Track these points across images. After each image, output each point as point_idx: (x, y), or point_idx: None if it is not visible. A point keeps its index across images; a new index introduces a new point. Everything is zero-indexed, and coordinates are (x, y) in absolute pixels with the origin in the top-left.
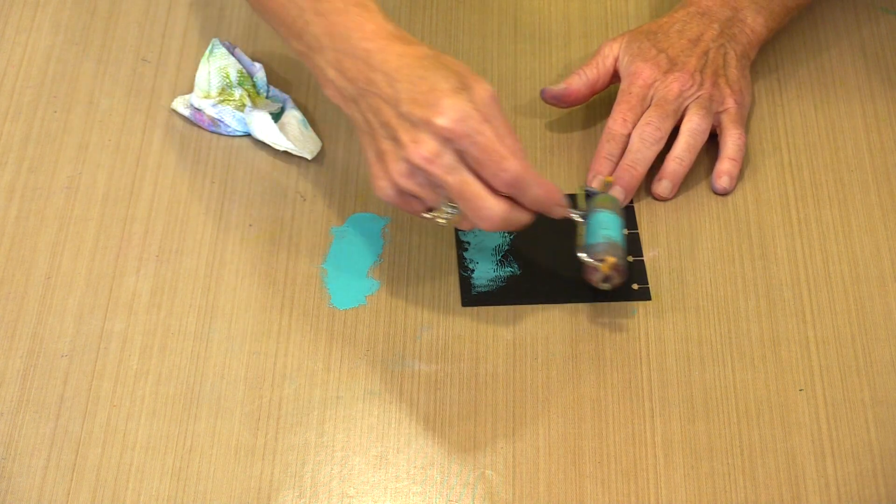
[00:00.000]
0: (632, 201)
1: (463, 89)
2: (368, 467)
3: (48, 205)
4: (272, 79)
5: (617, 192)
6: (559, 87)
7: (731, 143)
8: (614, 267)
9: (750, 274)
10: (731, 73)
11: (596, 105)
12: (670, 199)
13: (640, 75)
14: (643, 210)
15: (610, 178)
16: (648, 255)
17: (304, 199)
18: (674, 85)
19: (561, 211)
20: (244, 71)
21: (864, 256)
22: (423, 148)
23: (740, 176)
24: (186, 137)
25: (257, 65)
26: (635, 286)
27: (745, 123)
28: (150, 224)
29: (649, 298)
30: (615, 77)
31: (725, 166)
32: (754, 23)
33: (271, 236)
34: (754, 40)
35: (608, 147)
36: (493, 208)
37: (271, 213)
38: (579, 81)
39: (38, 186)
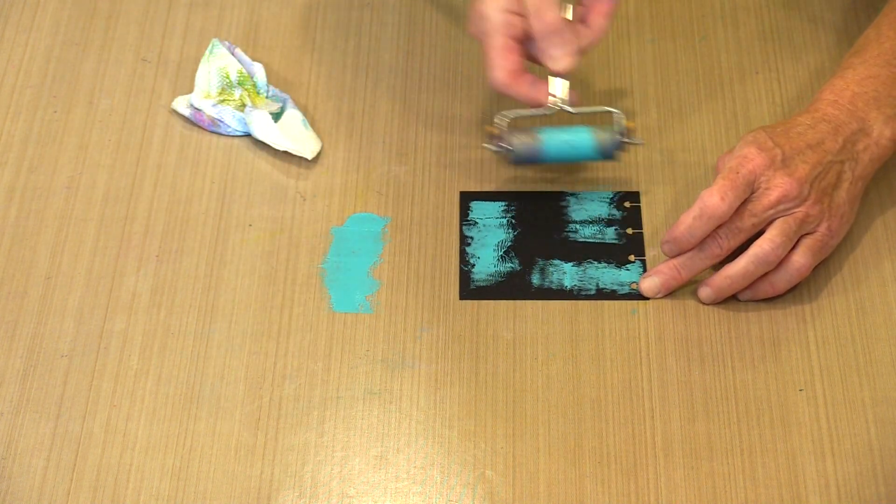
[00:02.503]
0: (638, 200)
1: None
2: (368, 467)
3: (48, 205)
4: (272, 79)
5: (653, 285)
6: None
7: (785, 271)
8: (491, 132)
9: None
10: (840, 196)
11: (596, 104)
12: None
13: (752, 160)
14: (651, 206)
15: (631, 124)
16: (649, 255)
17: (304, 199)
18: (776, 191)
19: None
20: (244, 71)
21: (864, 256)
22: None
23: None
24: (186, 137)
25: (257, 65)
26: (634, 285)
27: (824, 256)
28: (150, 224)
29: (647, 298)
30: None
31: (760, 289)
32: (880, 136)
33: (271, 236)
34: (877, 157)
35: (694, 225)
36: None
37: (271, 213)
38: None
39: (38, 186)
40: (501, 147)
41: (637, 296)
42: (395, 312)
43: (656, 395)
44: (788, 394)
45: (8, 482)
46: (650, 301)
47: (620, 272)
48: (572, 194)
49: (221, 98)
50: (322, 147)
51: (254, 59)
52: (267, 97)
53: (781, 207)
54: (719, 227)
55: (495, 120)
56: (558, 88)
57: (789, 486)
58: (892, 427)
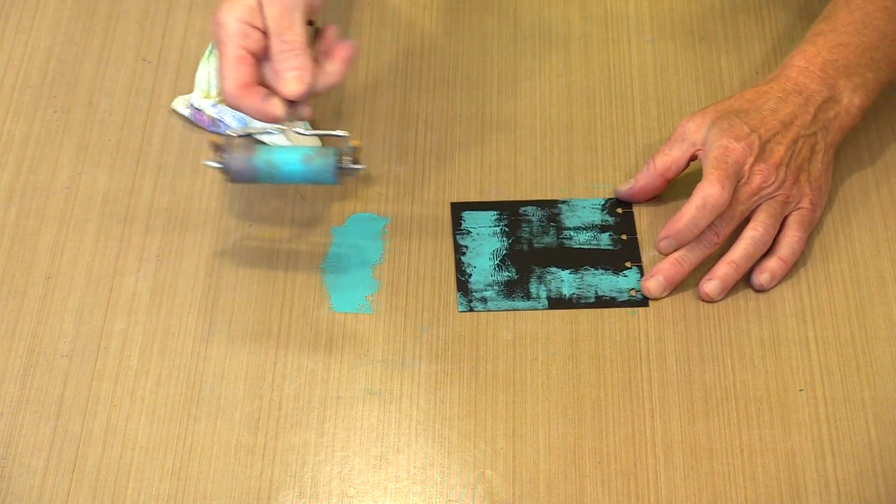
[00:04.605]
0: (630, 206)
1: None
2: (368, 467)
3: (48, 205)
4: None
5: (657, 284)
6: (627, 186)
7: (787, 244)
8: (216, 143)
9: (750, 274)
10: (815, 168)
11: (596, 104)
12: (718, 300)
13: (734, 152)
14: (643, 212)
15: (356, 143)
16: (648, 256)
17: (304, 199)
18: (756, 179)
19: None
20: None
21: (864, 256)
22: None
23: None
24: (186, 137)
25: None
26: (633, 292)
27: (812, 227)
28: (150, 224)
29: (647, 304)
30: (692, 160)
31: (772, 264)
32: (850, 104)
33: (271, 236)
34: (847, 125)
35: (697, 214)
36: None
37: (271, 213)
38: (648, 175)
39: (38, 186)
40: (219, 162)
41: (637, 302)
42: (395, 312)
43: (656, 395)
44: (788, 394)
45: (8, 482)
46: (650, 302)
47: (618, 279)
48: (564, 202)
49: (221, 98)
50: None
51: None
52: None
53: (763, 193)
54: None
55: (225, 132)
56: (291, 109)
57: (789, 486)
58: (892, 427)
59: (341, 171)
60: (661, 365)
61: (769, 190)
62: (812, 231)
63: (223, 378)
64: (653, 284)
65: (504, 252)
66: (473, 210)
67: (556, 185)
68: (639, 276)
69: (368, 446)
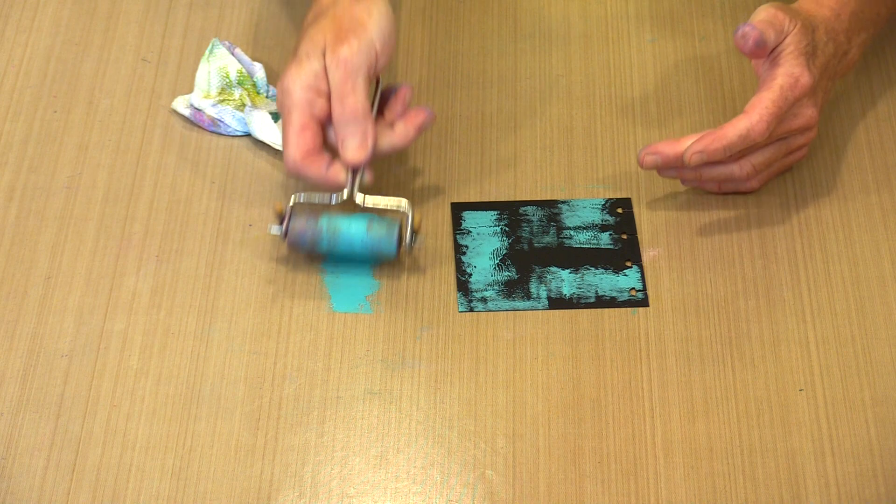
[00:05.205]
0: (630, 206)
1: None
2: (368, 467)
3: (48, 205)
4: (272, 79)
5: (651, 161)
6: (757, 33)
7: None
8: (279, 210)
9: (750, 274)
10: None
11: (596, 104)
12: (693, 166)
13: (802, 85)
14: (643, 211)
15: (418, 217)
16: (648, 255)
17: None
18: (800, 119)
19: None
20: (244, 71)
21: (864, 256)
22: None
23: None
24: (186, 137)
25: (257, 65)
26: (633, 291)
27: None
28: (150, 224)
29: (647, 304)
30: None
31: (684, 174)
32: (852, 58)
33: (271, 236)
34: (841, 75)
35: (736, 142)
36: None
37: (271, 214)
38: (766, 38)
39: (38, 186)
40: (282, 229)
41: (637, 302)
42: (395, 312)
43: (656, 395)
44: (788, 394)
45: (8, 482)
46: (650, 302)
47: (618, 278)
48: (564, 202)
49: (221, 98)
50: None
51: (254, 59)
52: (267, 97)
53: (792, 132)
54: (758, 162)
55: (292, 199)
56: (353, 176)
57: (789, 486)
58: (892, 427)
59: (402, 243)
60: (661, 365)
61: (796, 133)
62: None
63: (223, 378)
64: (650, 160)
65: (504, 252)
66: (473, 210)
67: (556, 185)
68: (639, 276)
69: (368, 446)
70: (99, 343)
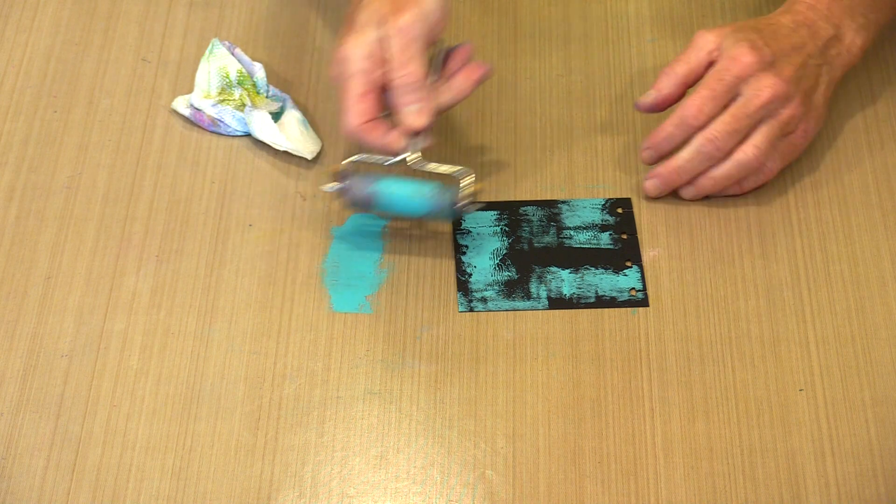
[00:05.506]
0: (630, 206)
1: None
2: (368, 467)
3: (48, 205)
4: (272, 79)
5: (655, 186)
6: (650, 97)
7: (756, 175)
8: (335, 171)
9: (750, 274)
10: (818, 99)
11: (596, 104)
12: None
13: (741, 60)
14: (643, 211)
15: (478, 186)
16: (648, 255)
17: (304, 199)
18: (766, 91)
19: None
20: (244, 71)
21: (864, 256)
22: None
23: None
24: (186, 137)
25: (257, 65)
26: (633, 291)
27: (794, 158)
28: (150, 224)
29: (647, 304)
30: (709, 67)
31: (732, 188)
32: (852, 44)
33: (271, 236)
34: (847, 63)
35: (673, 131)
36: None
37: (271, 213)
38: (669, 83)
39: (38, 186)
40: (339, 187)
41: (637, 302)
42: (395, 312)
43: (656, 395)
44: (788, 394)
45: (8, 482)
46: (650, 302)
47: (618, 278)
48: (564, 202)
49: (221, 98)
50: (322, 147)
51: (254, 59)
52: (267, 97)
53: (772, 107)
54: (718, 130)
55: (343, 162)
56: (412, 141)
57: (789, 486)
58: (892, 427)
59: (459, 206)
60: (661, 365)
61: (777, 105)
62: (792, 162)
63: (223, 378)
64: (652, 186)
65: (504, 252)
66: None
67: (556, 185)
68: (639, 276)
69: (368, 446)
70: (99, 343)
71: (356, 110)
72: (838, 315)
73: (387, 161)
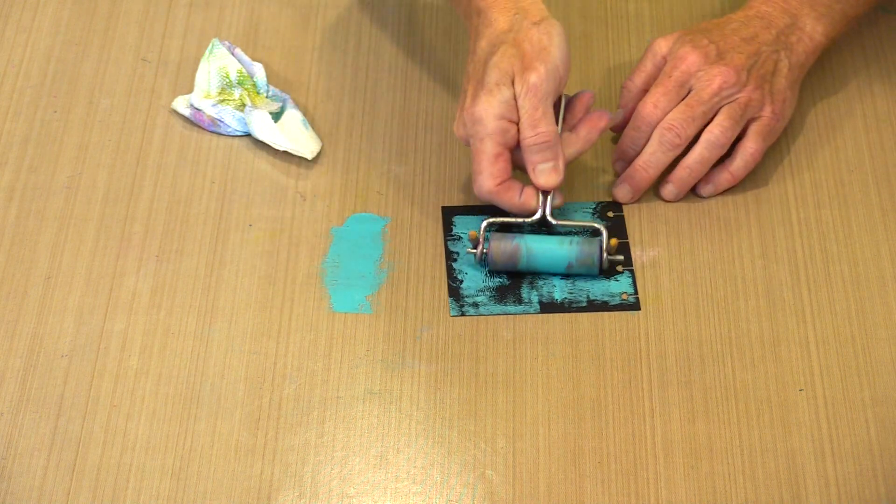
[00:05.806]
0: (621, 210)
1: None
2: (368, 467)
3: (48, 205)
4: (272, 79)
5: (625, 191)
6: (619, 116)
7: (740, 156)
8: (473, 237)
9: (750, 274)
10: (779, 82)
11: (596, 104)
12: (674, 202)
13: (685, 59)
14: (643, 210)
15: (614, 241)
16: (648, 255)
17: (304, 199)
18: (716, 80)
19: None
20: (244, 71)
21: (864, 256)
22: None
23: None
24: (186, 137)
25: (257, 65)
26: (625, 296)
27: (773, 139)
28: (150, 224)
29: (639, 308)
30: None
31: (720, 179)
32: (813, 31)
33: (271, 236)
34: (811, 48)
35: (633, 133)
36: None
37: (271, 213)
38: (631, 97)
39: (38, 186)
40: (480, 253)
41: (629, 306)
42: (395, 312)
43: (656, 395)
44: (788, 394)
45: (8, 482)
46: (649, 302)
47: (610, 283)
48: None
49: (221, 98)
50: (322, 147)
51: (254, 59)
52: (267, 97)
53: (725, 94)
54: (675, 118)
55: (481, 226)
56: (544, 199)
57: (789, 486)
58: (892, 427)
59: (606, 258)
60: (661, 365)
61: (730, 91)
62: (771, 143)
63: (223, 378)
64: (621, 192)
65: None
66: (464, 214)
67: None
68: (630, 280)
69: (368, 446)
70: (99, 343)
71: (490, 172)
72: (838, 315)
73: (521, 221)
